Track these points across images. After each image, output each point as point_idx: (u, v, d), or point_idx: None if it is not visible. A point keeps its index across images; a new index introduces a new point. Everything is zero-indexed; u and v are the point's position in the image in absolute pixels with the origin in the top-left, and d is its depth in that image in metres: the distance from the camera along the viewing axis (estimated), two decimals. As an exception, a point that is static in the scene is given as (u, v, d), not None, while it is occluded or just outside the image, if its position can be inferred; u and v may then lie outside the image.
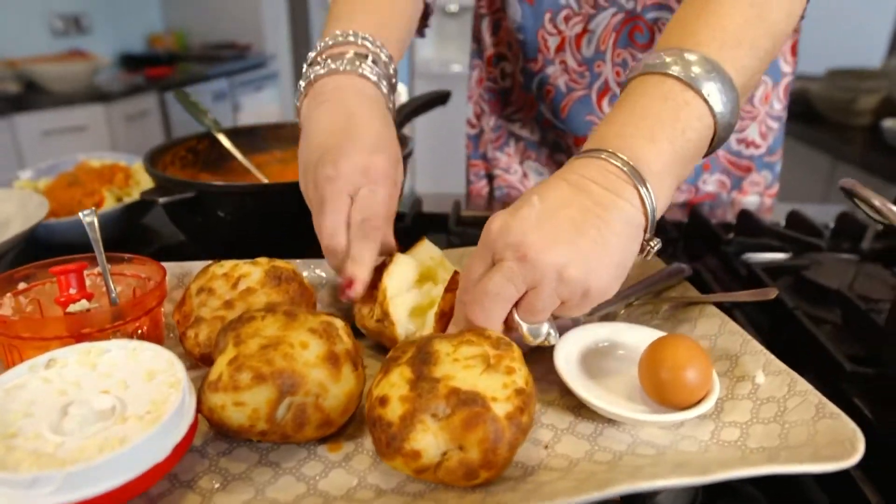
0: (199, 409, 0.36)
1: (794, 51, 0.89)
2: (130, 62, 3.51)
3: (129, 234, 0.83)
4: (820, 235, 0.80)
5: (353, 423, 0.40)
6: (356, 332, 0.50)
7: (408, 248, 0.52)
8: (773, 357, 0.43)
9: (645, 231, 0.42)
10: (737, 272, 0.70)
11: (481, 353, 0.36)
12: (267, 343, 0.36)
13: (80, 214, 0.49)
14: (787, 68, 0.89)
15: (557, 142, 0.93)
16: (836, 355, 0.50)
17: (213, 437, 0.39)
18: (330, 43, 0.56)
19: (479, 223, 0.82)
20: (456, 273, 0.47)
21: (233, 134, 0.86)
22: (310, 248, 0.69)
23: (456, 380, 0.34)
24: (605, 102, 0.85)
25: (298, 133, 0.89)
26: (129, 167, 0.94)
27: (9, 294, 0.45)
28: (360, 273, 0.45)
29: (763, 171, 0.97)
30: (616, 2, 0.78)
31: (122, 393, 0.36)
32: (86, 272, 0.46)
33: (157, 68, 2.87)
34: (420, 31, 0.77)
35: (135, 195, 0.87)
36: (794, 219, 0.85)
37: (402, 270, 0.47)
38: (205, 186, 0.62)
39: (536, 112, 0.92)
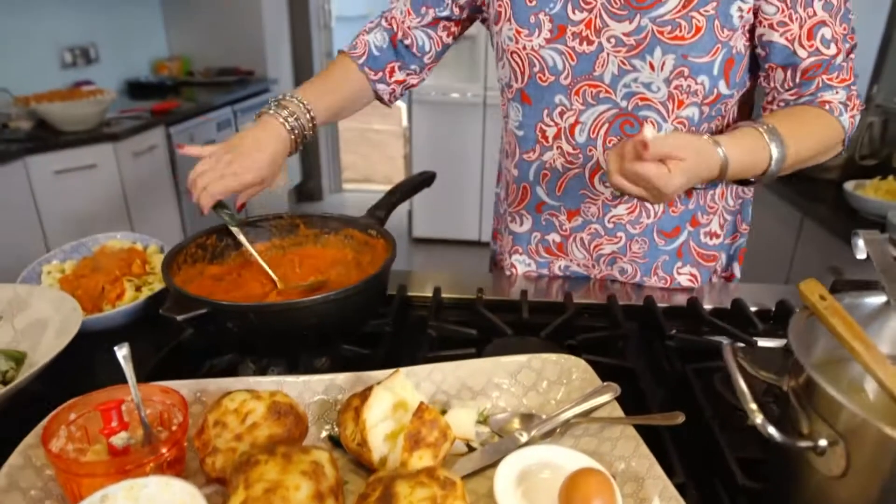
0: (216, 538, 0.47)
1: None
2: (136, 90, 3.64)
3: (148, 320, 0.94)
4: (755, 327, 0.91)
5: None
6: (339, 444, 0.62)
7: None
8: (668, 483, 0.54)
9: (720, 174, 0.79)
10: (677, 369, 0.81)
11: (431, 494, 0.48)
12: (268, 487, 0.48)
13: (116, 350, 0.60)
14: None
15: (551, 222, 1.06)
16: (732, 466, 0.61)
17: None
18: (284, 96, 0.98)
19: (458, 310, 0.94)
20: (422, 403, 0.58)
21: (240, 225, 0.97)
22: (304, 353, 0.81)
23: (410, 522, 0.46)
24: (595, 179, 0.99)
25: (294, 222, 1.01)
26: (144, 251, 1.05)
27: (63, 425, 0.56)
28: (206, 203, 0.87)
29: (733, 265, 1.11)
30: (610, 100, 0.94)
31: (159, 525, 0.47)
32: (123, 406, 0.58)
33: (164, 102, 2.98)
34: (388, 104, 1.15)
35: (152, 283, 0.99)
36: (736, 307, 0.97)
37: (379, 403, 0.58)
38: (216, 305, 0.73)
39: (530, 198, 1.06)
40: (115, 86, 3.61)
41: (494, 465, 0.58)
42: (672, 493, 0.53)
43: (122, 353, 0.59)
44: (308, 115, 0.97)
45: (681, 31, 0.85)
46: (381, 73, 1.07)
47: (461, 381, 0.69)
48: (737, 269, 1.15)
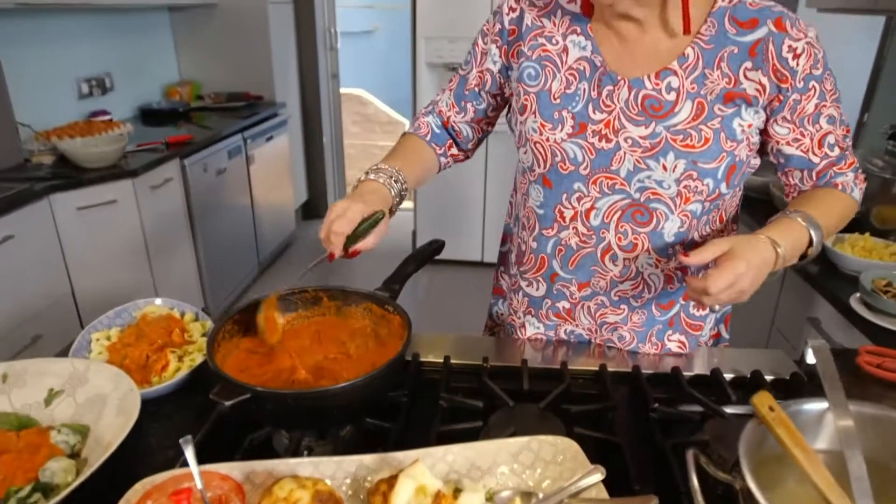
0: None
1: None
2: (149, 117, 3.77)
3: (188, 385, 1.06)
4: (729, 398, 1.01)
5: None
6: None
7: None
8: (643, 563, 0.65)
9: (774, 264, 0.91)
10: (659, 443, 0.92)
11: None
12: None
13: (182, 444, 0.71)
14: None
15: (562, 291, 1.17)
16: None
17: None
18: (376, 166, 1.06)
19: (466, 376, 1.04)
20: (439, 491, 0.70)
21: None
22: (334, 426, 0.93)
23: None
24: (606, 258, 1.11)
25: (318, 295, 1.11)
26: (181, 319, 1.17)
27: (141, 511, 0.67)
28: (336, 250, 0.95)
29: (720, 326, 1.23)
30: (625, 191, 1.04)
31: None
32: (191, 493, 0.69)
33: (178, 136, 3.10)
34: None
35: (192, 353, 1.10)
36: (714, 376, 1.08)
37: (404, 489, 0.70)
38: (259, 392, 0.85)
39: (546, 268, 1.17)
40: (128, 113, 3.74)
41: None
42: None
43: (187, 450, 0.70)
44: (401, 178, 1.06)
45: (692, 140, 0.98)
46: (443, 148, 1.23)
47: (470, 461, 0.80)
48: (723, 331, 1.27)
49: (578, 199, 1.08)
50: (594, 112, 1.03)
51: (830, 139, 1.02)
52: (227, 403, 0.83)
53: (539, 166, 1.09)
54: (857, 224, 1.78)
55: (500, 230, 1.38)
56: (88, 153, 2.55)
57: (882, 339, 1.36)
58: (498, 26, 1.11)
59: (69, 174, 2.49)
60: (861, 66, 2.55)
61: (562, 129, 1.04)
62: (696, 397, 1.01)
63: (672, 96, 0.98)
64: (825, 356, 0.72)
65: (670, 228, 1.05)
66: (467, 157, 1.32)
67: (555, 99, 1.05)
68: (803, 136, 1.01)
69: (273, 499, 0.69)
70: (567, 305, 1.18)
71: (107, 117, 3.32)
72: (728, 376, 1.08)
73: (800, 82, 0.97)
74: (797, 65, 0.96)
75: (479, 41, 1.15)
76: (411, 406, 1.00)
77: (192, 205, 3.08)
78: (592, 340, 1.20)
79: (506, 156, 3.88)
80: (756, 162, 1.07)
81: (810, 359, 0.74)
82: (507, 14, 1.10)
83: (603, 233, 1.08)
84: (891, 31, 2.35)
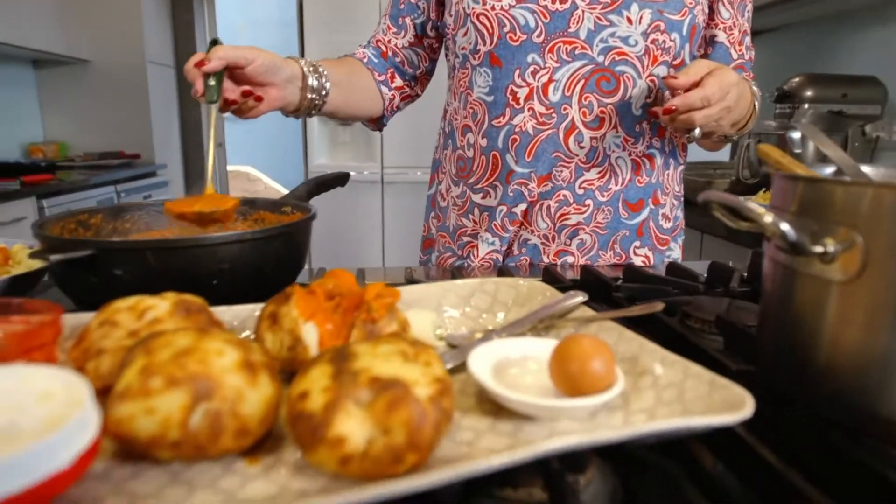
0: (104, 428, 0.34)
1: (684, 147, 1.04)
2: (4, 170, 3.33)
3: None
4: (696, 280, 0.88)
5: (273, 439, 0.38)
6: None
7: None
8: (667, 352, 0.46)
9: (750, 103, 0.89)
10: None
11: (399, 349, 0.37)
12: (180, 352, 0.35)
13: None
14: (681, 158, 1.06)
15: (518, 191, 0.99)
16: (723, 360, 0.55)
17: (118, 463, 0.36)
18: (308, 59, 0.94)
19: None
20: (372, 284, 0.48)
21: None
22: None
23: (376, 370, 0.35)
24: (570, 140, 0.95)
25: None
26: (7, 248, 0.88)
27: None
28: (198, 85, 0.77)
29: (677, 242, 1.11)
30: (587, 55, 0.92)
31: (13, 416, 0.33)
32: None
33: (35, 175, 2.73)
34: (377, 126, 1.14)
35: (10, 267, 0.82)
36: (673, 268, 0.94)
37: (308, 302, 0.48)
38: (103, 244, 0.60)
39: (500, 169, 0.99)
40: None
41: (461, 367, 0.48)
42: (675, 359, 0.45)
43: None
44: (322, 71, 0.95)
45: None
46: (384, 76, 1.08)
47: (406, 306, 0.59)
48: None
49: (533, 74, 0.94)
50: None
51: (747, 40, 1.00)
52: (53, 258, 0.58)
53: (484, 44, 0.96)
54: (762, 183, 1.78)
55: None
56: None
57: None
58: None
59: None
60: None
61: None
62: (663, 278, 0.86)
63: None
64: (810, 131, 0.60)
65: (638, 97, 0.94)
66: (416, 96, 1.16)
67: None
68: (734, 26, 0.97)
69: (111, 310, 0.44)
70: (524, 207, 1.00)
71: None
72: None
73: None
74: None
75: None
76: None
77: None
78: (546, 254, 1.02)
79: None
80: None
81: (797, 148, 0.62)
82: None
83: (564, 108, 0.94)
84: None
